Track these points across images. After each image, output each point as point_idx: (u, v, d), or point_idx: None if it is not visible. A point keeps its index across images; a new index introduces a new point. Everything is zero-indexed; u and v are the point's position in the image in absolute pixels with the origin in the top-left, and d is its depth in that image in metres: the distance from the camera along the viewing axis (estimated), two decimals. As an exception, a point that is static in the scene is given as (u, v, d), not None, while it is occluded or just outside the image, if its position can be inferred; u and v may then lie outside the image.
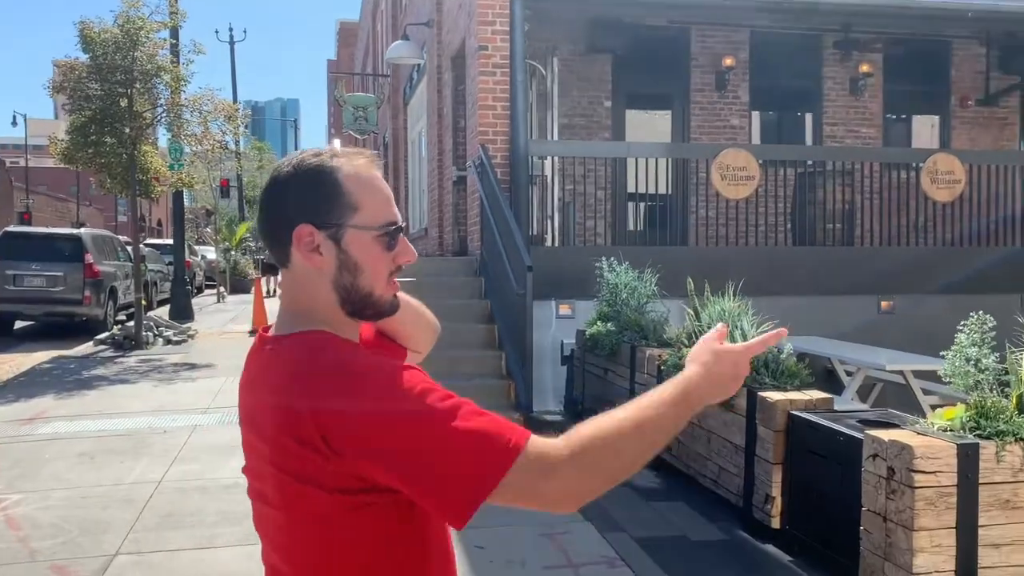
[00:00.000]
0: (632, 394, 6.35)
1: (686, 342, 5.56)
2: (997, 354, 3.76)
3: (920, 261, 8.75)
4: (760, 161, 8.43)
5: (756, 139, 11.13)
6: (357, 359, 1.19)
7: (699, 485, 5.36)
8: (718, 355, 1.29)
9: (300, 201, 1.22)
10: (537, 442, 1.11)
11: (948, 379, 3.83)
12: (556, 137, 9.55)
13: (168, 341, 13.05)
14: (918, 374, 6.86)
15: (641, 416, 1.18)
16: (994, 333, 3.80)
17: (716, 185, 8.27)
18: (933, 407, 6.78)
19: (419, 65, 13.18)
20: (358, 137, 18.39)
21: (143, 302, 13.20)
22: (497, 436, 1.10)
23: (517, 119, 8.01)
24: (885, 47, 11.19)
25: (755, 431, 4.70)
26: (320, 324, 1.23)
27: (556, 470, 1.11)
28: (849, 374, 7.53)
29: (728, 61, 10.78)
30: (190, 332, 13.79)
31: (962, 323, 3.84)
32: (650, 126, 11.16)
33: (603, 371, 6.98)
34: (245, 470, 1.28)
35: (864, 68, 11.07)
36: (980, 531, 3.52)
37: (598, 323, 6.95)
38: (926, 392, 6.87)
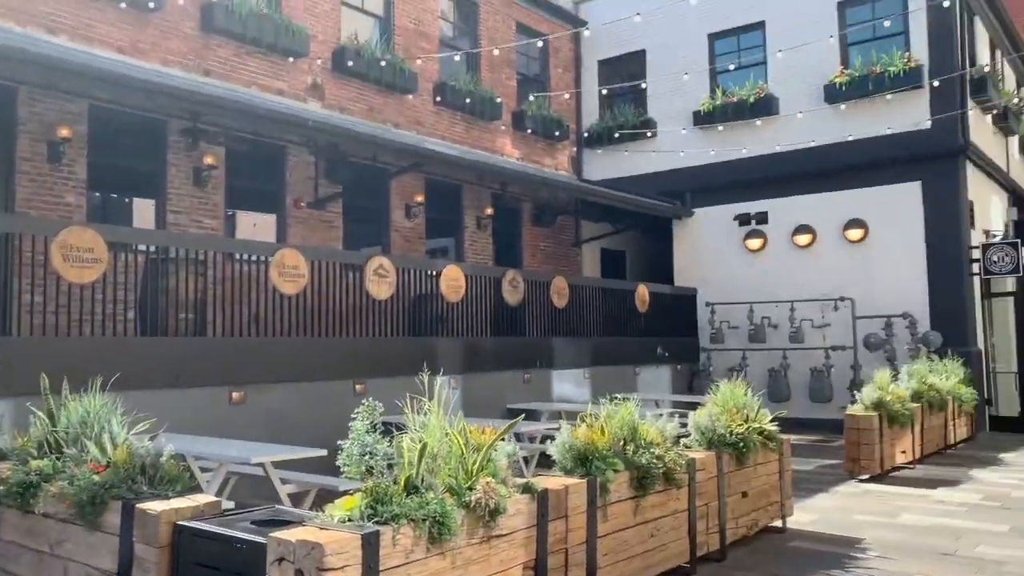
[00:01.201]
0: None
1: (34, 452, 4.58)
2: (389, 440, 3.93)
3: (267, 351, 8.98)
4: (108, 243, 7.68)
5: (95, 220, 10.19)
6: None
7: (51, 629, 4.37)
8: None
9: None
10: None
11: (344, 467, 3.85)
12: None
13: None
14: (275, 463, 6.90)
15: None
16: (382, 419, 3.98)
17: (57, 267, 7.22)
18: (290, 495, 6.93)
19: None
20: None
21: None
22: None
23: None
24: (230, 142, 11.50)
25: (131, 550, 4.04)
26: None
27: None
28: (206, 470, 7.22)
29: (64, 132, 9.73)
30: None
31: (356, 410, 3.92)
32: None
33: (-100, 499, 5.32)
34: None
35: (209, 160, 11.16)
36: (381, 618, 3.55)
37: None
38: (284, 481, 6.95)
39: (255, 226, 12.17)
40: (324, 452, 6.49)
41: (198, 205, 11.26)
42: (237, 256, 9.24)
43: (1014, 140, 19.05)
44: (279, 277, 9.03)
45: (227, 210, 11.70)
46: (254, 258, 9.24)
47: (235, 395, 8.59)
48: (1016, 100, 18.40)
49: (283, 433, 8.51)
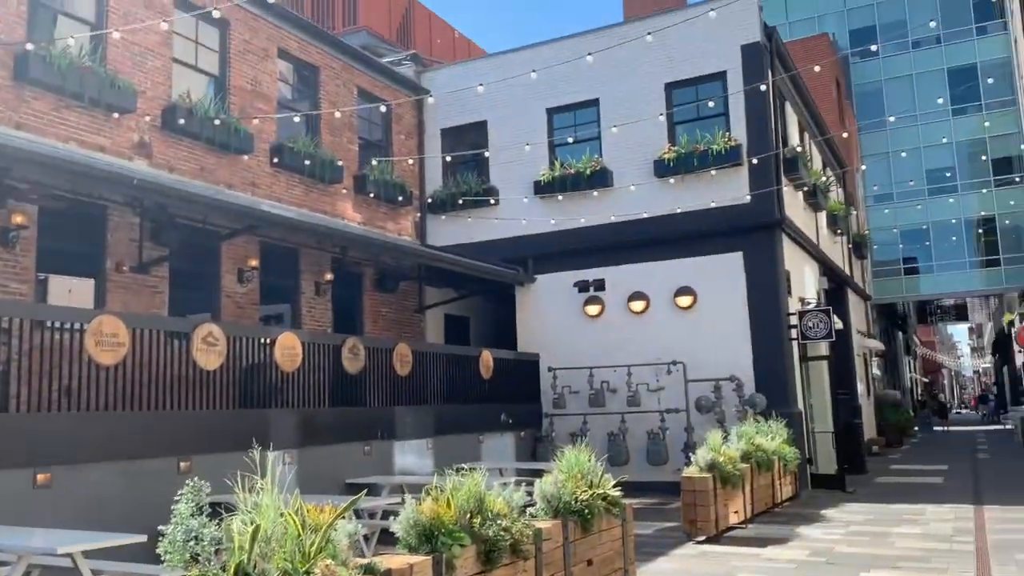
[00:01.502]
0: None
1: None
2: (214, 522, 3.58)
3: (81, 427, 8.17)
4: None
5: None
6: None
7: None
8: None
9: None
10: None
11: (166, 555, 3.46)
12: None
13: None
14: (86, 553, 6.24)
15: None
16: (210, 499, 3.63)
17: None
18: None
19: None
20: None
21: None
22: None
23: None
24: (43, 200, 10.62)
25: None
26: None
27: None
28: (2, 564, 6.42)
29: None
30: None
31: (180, 491, 3.56)
32: None
33: None
34: None
35: (18, 219, 10.24)
36: None
37: None
38: (96, 572, 6.27)
39: (71, 291, 11.21)
40: (144, 538, 5.92)
41: (3, 268, 10.26)
42: (48, 323, 8.43)
43: (822, 216, 20.80)
44: (96, 346, 8.30)
45: (38, 274, 10.72)
46: (68, 326, 8.46)
47: (40, 477, 7.72)
48: (823, 179, 20.14)
49: (98, 518, 7.73)
